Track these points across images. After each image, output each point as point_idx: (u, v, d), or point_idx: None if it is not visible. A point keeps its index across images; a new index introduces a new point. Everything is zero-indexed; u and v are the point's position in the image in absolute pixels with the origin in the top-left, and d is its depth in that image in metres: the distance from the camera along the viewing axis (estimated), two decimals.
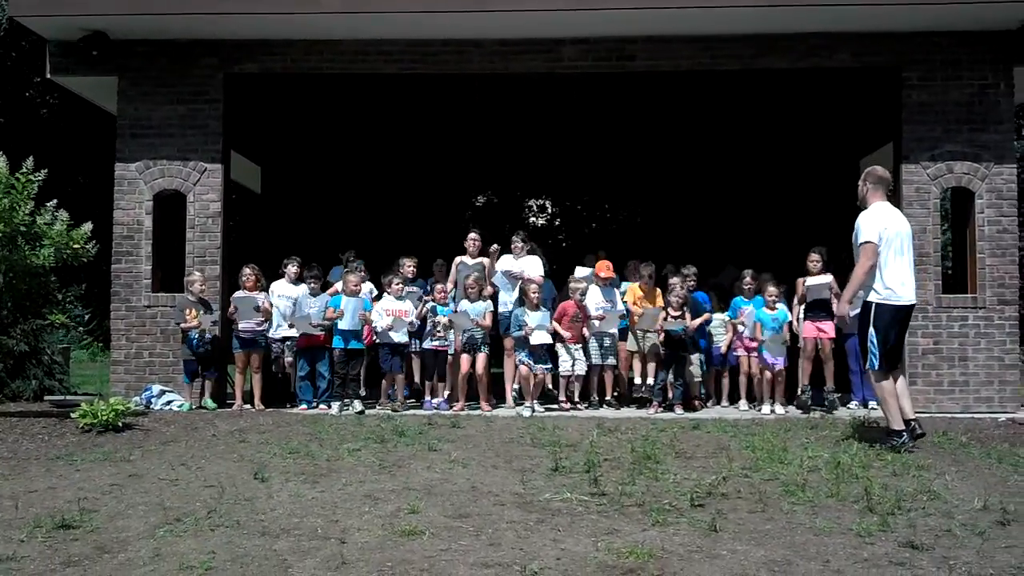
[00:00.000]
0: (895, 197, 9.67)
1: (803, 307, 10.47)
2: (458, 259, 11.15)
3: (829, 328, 10.18)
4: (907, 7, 9.89)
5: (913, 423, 7.57)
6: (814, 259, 10.44)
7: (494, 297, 10.79)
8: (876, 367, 7.51)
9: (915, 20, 10.24)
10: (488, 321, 10.42)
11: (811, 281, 10.33)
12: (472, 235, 11.22)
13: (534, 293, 10.35)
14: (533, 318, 10.21)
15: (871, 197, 7.79)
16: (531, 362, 10.19)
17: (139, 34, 10.76)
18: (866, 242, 7.49)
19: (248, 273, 10.63)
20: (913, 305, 7.78)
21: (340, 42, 10.84)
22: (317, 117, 14.29)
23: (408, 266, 10.96)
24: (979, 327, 10.35)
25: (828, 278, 10.30)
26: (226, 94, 10.99)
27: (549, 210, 27.72)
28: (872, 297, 7.55)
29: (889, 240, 7.52)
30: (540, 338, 10.20)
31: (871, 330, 7.48)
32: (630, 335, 10.76)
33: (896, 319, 7.57)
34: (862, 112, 13.05)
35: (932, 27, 10.40)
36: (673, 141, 15.48)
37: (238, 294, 10.57)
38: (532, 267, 10.86)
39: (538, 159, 16.90)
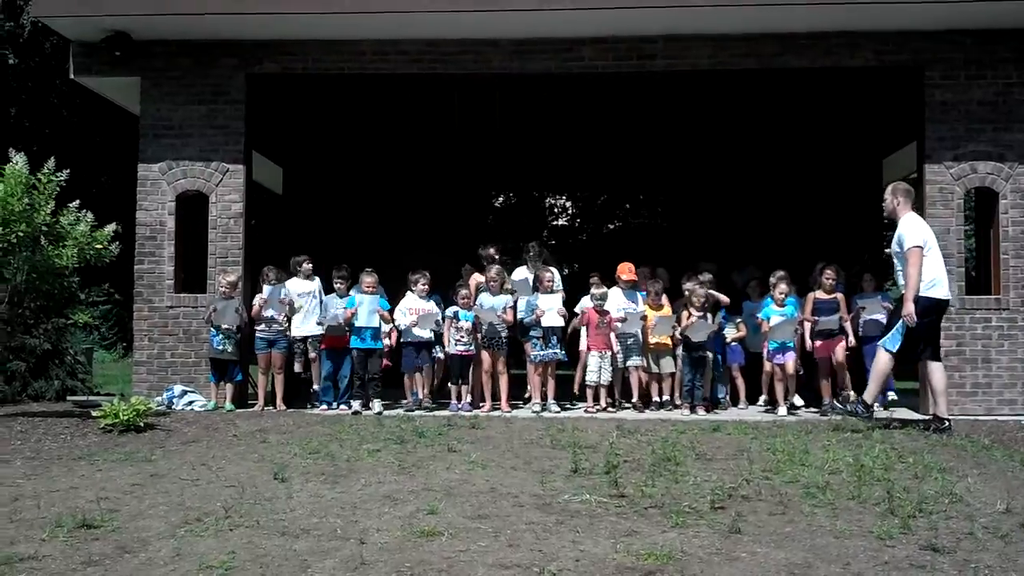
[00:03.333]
0: (918, 198, 9.72)
1: (812, 326, 10.47)
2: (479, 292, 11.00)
3: (840, 350, 10.31)
4: (929, 5, 9.81)
5: (947, 421, 8.50)
6: (829, 275, 10.47)
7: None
8: (893, 348, 8.49)
9: (937, 18, 10.16)
10: (510, 316, 10.44)
11: (820, 298, 10.34)
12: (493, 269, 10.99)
13: (548, 281, 10.49)
14: (545, 301, 10.35)
15: (902, 209, 8.69)
16: (541, 352, 10.27)
17: (161, 34, 10.82)
18: (914, 247, 8.34)
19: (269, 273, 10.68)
20: (947, 302, 8.71)
21: (359, 42, 10.86)
22: (337, 118, 14.33)
23: (421, 284, 10.77)
24: (1003, 329, 10.26)
25: (837, 306, 10.39)
26: (248, 94, 11.03)
27: (569, 210, 27.70)
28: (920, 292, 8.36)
29: (929, 246, 8.47)
30: (552, 319, 10.35)
31: (902, 320, 8.38)
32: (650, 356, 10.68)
33: (928, 311, 8.41)
34: (884, 112, 13.00)
35: (954, 25, 10.32)
36: (693, 140, 15.43)
37: (265, 288, 10.59)
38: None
39: (557, 159, 16.88)
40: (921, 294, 8.33)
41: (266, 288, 10.57)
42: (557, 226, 27.37)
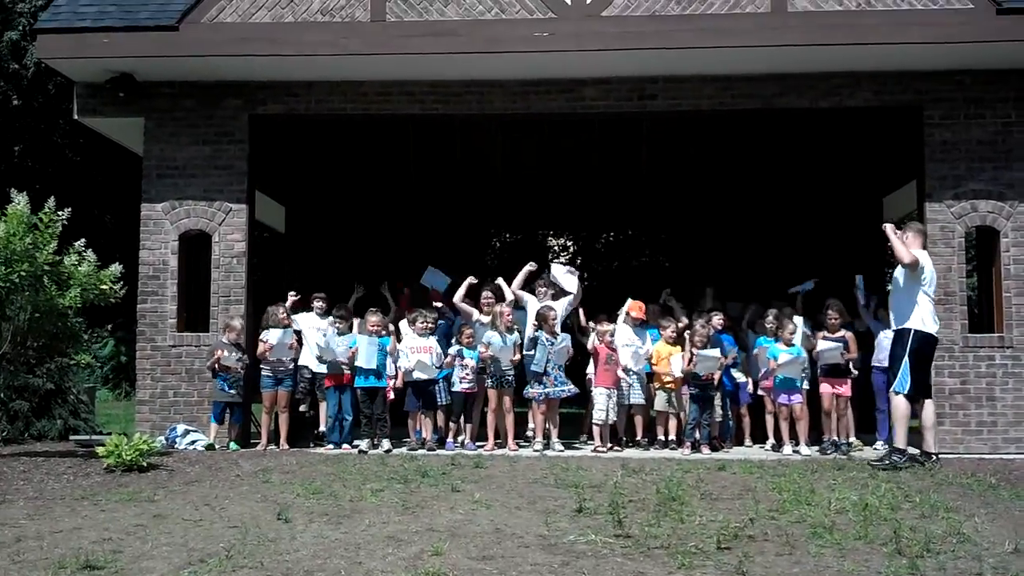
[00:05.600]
0: (920, 224, 9.88)
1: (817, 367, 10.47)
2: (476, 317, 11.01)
3: (844, 388, 10.29)
4: (928, 46, 9.90)
5: (934, 455, 8.75)
6: (833, 316, 10.44)
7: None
8: (904, 390, 8.59)
9: (937, 59, 10.25)
10: (517, 356, 10.44)
11: (822, 346, 10.33)
12: (485, 293, 11.08)
13: (553, 320, 10.37)
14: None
15: (912, 244, 8.82)
16: (543, 389, 10.22)
17: (165, 76, 10.91)
18: (914, 259, 8.61)
19: (278, 312, 10.67)
20: (937, 339, 8.95)
21: (363, 83, 10.96)
22: (340, 157, 14.41)
23: (420, 323, 10.70)
24: (1007, 367, 10.25)
25: (839, 344, 10.31)
26: (251, 135, 11.11)
27: (571, 249, 27.73)
28: (911, 324, 8.65)
29: (931, 280, 8.77)
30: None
31: (906, 356, 8.58)
32: (658, 395, 10.63)
33: (930, 346, 8.77)
34: (884, 151, 13.06)
35: (954, 66, 10.40)
36: (694, 180, 15.48)
37: (273, 331, 10.58)
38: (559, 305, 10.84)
39: (559, 198, 16.93)
40: (920, 328, 8.61)
41: (274, 332, 10.54)
42: (559, 262, 27.37)
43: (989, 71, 10.43)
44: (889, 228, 8.88)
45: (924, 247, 9.02)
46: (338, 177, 15.25)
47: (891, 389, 8.82)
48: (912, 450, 8.77)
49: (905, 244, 8.76)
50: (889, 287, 9.64)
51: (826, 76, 10.61)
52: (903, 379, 8.60)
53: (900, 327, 8.77)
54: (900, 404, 8.68)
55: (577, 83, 10.84)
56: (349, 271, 14.78)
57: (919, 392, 8.72)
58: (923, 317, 8.65)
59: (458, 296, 10.87)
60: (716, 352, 10.30)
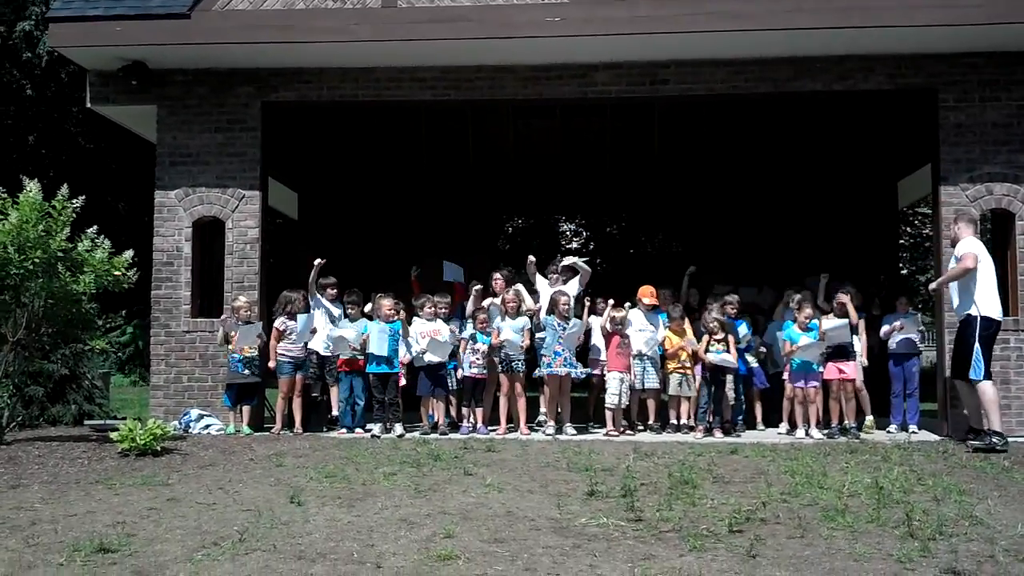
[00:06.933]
0: (934, 220, 9.95)
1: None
2: (487, 301, 11.05)
3: (849, 369, 10.24)
4: (943, 28, 9.83)
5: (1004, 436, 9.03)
6: (840, 300, 10.46)
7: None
8: (980, 375, 8.93)
9: (951, 42, 10.17)
10: (527, 339, 10.45)
11: (827, 325, 10.30)
12: (496, 275, 11.16)
13: (564, 305, 10.37)
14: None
15: (963, 232, 9.33)
16: (547, 369, 10.25)
17: (177, 64, 10.93)
18: (968, 253, 9.03)
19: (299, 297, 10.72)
20: (1001, 323, 9.27)
21: (374, 69, 10.95)
22: (352, 143, 14.42)
23: (427, 308, 10.74)
24: (1021, 350, 10.19)
25: (845, 321, 10.29)
26: (263, 122, 11.12)
27: (583, 234, 27.71)
28: (975, 311, 9.03)
29: (986, 265, 9.13)
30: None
31: (976, 343, 8.93)
32: (671, 379, 10.64)
33: (995, 331, 9.12)
34: (899, 134, 12.99)
35: (969, 48, 10.32)
36: (707, 164, 15.44)
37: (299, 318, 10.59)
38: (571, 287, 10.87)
39: (572, 183, 16.91)
40: (986, 315, 9.00)
41: (294, 320, 10.54)
42: (570, 250, 27.36)
43: (1004, 53, 10.34)
44: (939, 282, 9.55)
45: (976, 234, 9.42)
46: (350, 163, 15.27)
47: (969, 377, 9.05)
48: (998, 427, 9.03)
49: (958, 233, 9.34)
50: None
51: (840, 59, 10.54)
52: (977, 365, 8.94)
53: (964, 314, 9.15)
54: (987, 389, 8.98)
55: (589, 68, 10.80)
56: (362, 257, 14.82)
57: (987, 375, 9.03)
58: (986, 303, 9.03)
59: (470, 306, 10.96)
60: (730, 356, 10.30)
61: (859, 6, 9.79)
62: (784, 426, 10.57)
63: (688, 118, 13.44)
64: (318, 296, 10.82)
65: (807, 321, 10.31)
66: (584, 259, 11.37)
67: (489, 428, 10.41)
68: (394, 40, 10.24)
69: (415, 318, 10.68)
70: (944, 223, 10.25)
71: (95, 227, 9.76)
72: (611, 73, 10.80)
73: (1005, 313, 10.36)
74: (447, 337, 10.42)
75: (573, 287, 10.89)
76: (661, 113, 13.25)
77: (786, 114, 12.93)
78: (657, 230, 24.70)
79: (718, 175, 15.79)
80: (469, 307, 10.92)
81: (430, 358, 10.32)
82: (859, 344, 10.58)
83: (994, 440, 8.79)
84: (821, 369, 10.27)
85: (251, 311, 10.53)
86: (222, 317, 10.75)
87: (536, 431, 10.48)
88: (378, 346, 10.22)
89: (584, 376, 10.72)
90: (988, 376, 9.04)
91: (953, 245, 9.52)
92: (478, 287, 11.15)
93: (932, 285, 9.39)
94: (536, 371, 10.47)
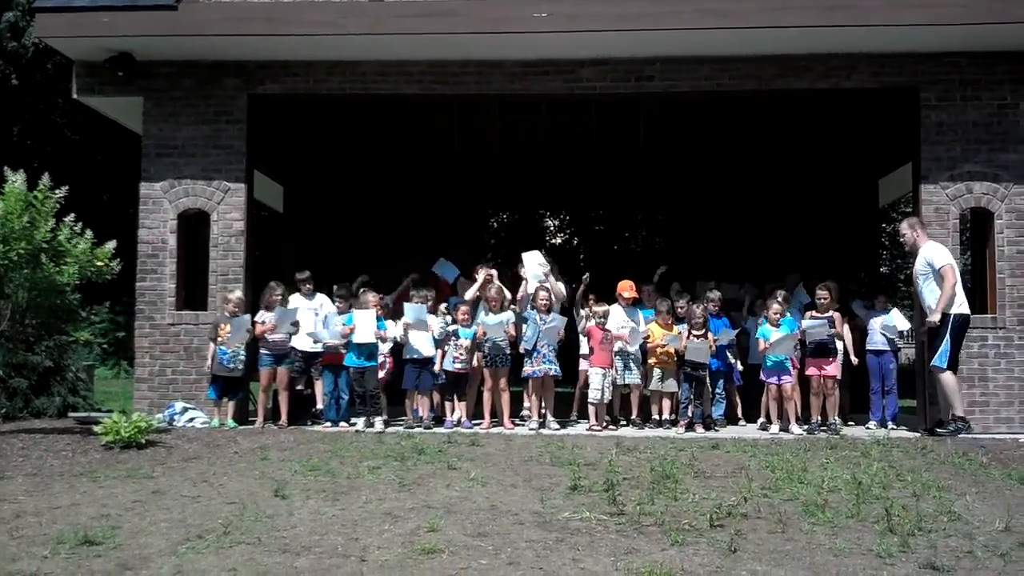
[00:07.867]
0: (916, 217, 10.33)
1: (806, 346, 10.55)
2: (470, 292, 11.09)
3: (831, 368, 10.32)
4: (925, 28, 9.90)
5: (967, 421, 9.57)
6: (822, 296, 10.55)
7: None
8: (944, 365, 9.39)
9: (934, 41, 10.23)
10: (512, 331, 10.48)
11: (807, 323, 10.38)
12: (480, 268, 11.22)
13: (543, 300, 10.42)
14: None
15: (921, 239, 9.86)
16: (533, 368, 10.31)
17: (164, 55, 10.88)
18: (946, 264, 9.52)
19: (276, 289, 10.72)
20: (970, 317, 9.74)
21: (361, 63, 10.94)
22: (339, 137, 14.40)
23: (417, 301, 10.79)
24: (999, 347, 10.30)
25: (825, 320, 10.37)
26: (250, 114, 11.09)
27: (567, 229, 27.75)
28: (951, 309, 9.44)
29: (955, 266, 9.65)
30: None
31: (947, 336, 9.39)
32: (653, 374, 10.69)
33: (966, 325, 9.63)
34: (880, 132, 13.08)
35: (951, 47, 10.40)
36: (691, 161, 15.50)
37: (277, 310, 10.60)
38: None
39: (557, 178, 16.95)
40: (959, 311, 9.47)
41: (277, 310, 10.57)
42: (555, 245, 27.42)
43: (985, 53, 10.43)
44: (930, 322, 9.63)
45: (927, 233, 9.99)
46: (336, 157, 15.26)
47: (931, 365, 9.59)
48: (960, 413, 9.52)
49: (918, 240, 9.87)
50: (917, 273, 9.93)
51: (824, 58, 10.60)
52: (943, 355, 9.41)
53: (941, 312, 9.49)
54: (948, 378, 9.46)
55: (575, 64, 10.82)
56: (347, 251, 14.83)
57: (952, 367, 9.49)
58: (958, 300, 9.51)
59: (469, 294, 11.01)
60: (706, 344, 10.40)
61: (844, 5, 9.85)
62: (761, 420, 10.64)
63: (673, 115, 13.51)
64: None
65: (777, 317, 10.37)
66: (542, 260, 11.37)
67: (473, 422, 10.45)
68: (382, 34, 10.24)
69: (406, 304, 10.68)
70: (899, 234, 10.59)
71: (72, 215, 9.65)
72: (597, 69, 10.83)
73: (983, 311, 10.51)
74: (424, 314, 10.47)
75: (559, 287, 10.97)
76: (646, 110, 13.30)
77: (770, 112, 13.01)
78: (640, 226, 24.78)
79: (702, 172, 15.86)
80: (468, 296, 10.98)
81: (415, 340, 10.33)
82: (847, 339, 10.69)
83: (959, 425, 9.37)
84: (794, 365, 10.33)
85: (238, 307, 10.52)
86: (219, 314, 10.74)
87: (520, 425, 10.53)
88: (364, 334, 10.23)
89: (559, 375, 10.67)
90: (952, 368, 9.48)
91: (911, 251, 10.07)
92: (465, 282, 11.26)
93: (933, 318, 9.45)
94: (523, 372, 10.51)
